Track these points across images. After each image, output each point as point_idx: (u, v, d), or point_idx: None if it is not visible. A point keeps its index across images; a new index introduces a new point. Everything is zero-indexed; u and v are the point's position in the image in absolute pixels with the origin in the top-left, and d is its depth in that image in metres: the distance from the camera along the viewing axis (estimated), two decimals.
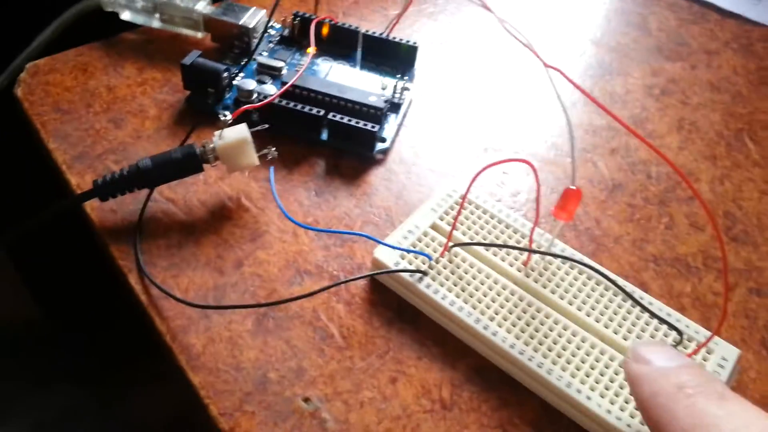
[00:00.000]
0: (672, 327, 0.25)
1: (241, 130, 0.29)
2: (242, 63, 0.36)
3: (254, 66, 0.36)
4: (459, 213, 0.27)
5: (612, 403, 0.24)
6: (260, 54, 0.37)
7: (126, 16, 0.38)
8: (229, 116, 0.29)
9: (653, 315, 0.26)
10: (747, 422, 0.18)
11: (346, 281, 0.28)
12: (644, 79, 0.40)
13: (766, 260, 0.31)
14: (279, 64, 0.36)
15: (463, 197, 0.26)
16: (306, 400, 0.25)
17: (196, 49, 0.34)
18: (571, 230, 0.31)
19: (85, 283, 0.61)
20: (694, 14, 0.45)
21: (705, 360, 0.26)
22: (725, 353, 0.26)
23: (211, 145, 0.29)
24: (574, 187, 0.25)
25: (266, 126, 0.30)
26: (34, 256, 0.58)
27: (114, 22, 0.38)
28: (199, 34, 0.38)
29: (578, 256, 0.28)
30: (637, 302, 0.26)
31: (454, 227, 0.28)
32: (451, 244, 0.28)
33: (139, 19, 0.38)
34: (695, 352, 0.25)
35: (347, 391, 0.25)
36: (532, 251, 0.27)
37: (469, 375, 0.26)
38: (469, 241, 0.28)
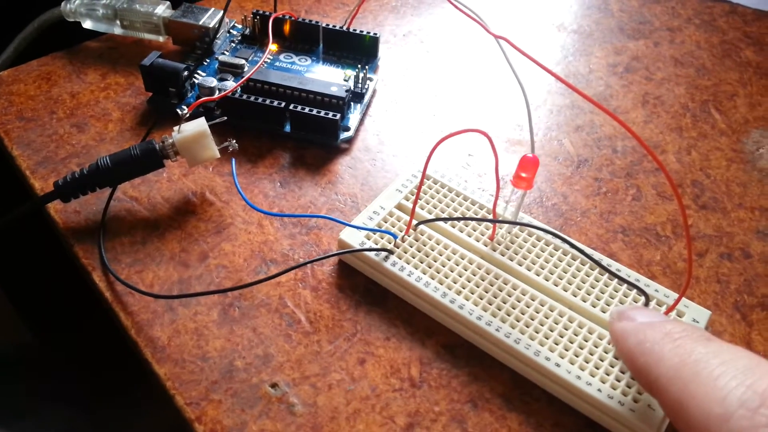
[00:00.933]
0: (639, 290, 0.25)
1: (199, 124, 0.29)
2: (203, 62, 0.36)
3: (216, 65, 0.36)
4: (419, 189, 0.27)
5: (582, 369, 0.24)
6: (222, 53, 0.37)
7: (88, 24, 0.38)
8: (186, 110, 0.29)
9: (620, 279, 0.26)
10: (734, 356, 0.17)
11: (310, 262, 0.27)
12: (607, 58, 0.40)
13: (736, 225, 0.31)
14: (240, 61, 0.36)
15: (423, 172, 0.26)
16: (273, 385, 0.24)
17: (159, 51, 0.34)
18: (538, 206, 0.31)
19: (71, 300, 0.61)
20: None
21: None
22: (696, 315, 0.26)
23: (170, 140, 0.29)
24: (531, 155, 0.25)
25: (224, 118, 0.30)
26: (15, 272, 0.58)
27: (78, 31, 0.38)
28: (161, 38, 0.38)
29: (543, 225, 0.28)
30: (601, 266, 0.26)
31: (416, 204, 0.27)
32: (416, 222, 0.28)
33: (101, 27, 0.38)
34: (666, 313, 0.25)
35: (315, 375, 0.25)
36: (493, 221, 0.27)
37: (439, 352, 0.25)
38: (434, 218, 0.28)
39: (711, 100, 0.37)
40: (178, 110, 0.29)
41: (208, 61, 0.36)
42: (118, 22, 0.37)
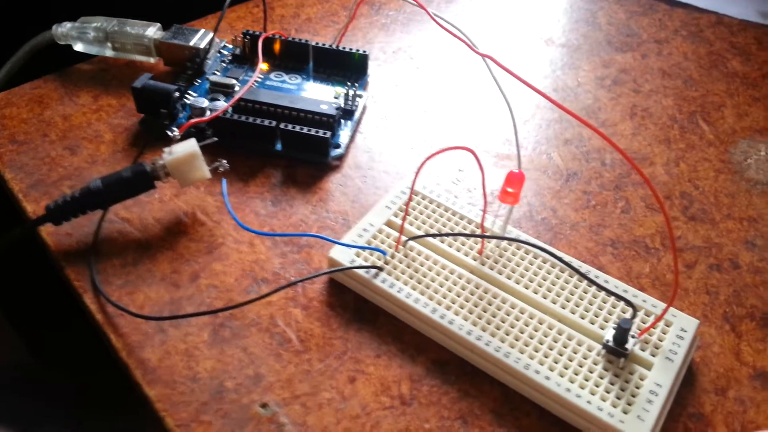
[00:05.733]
0: (627, 302, 0.25)
1: (190, 145, 0.29)
2: (194, 83, 0.36)
3: (207, 85, 0.36)
4: (408, 205, 0.27)
5: (572, 382, 0.24)
6: (213, 73, 0.37)
7: (79, 47, 0.38)
8: (177, 132, 0.29)
9: (607, 291, 0.26)
10: None
11: (300, 281, 0.27)
12: (595, 71, 0.40)
13: (725, 236, 0.31)
14: (231, 81, 0.36)
15: (411, 188, 0.26)
16: (264, 405, 0.24)
17: (150, 73, 0.35)
18: (528, 220, 0.31)
19: (67, 319, 0.61)
20: (642, 6, 0.46)
21: (664, 333, 0.25)
22: (684, 324, 0.26)
23: (161, 162, 0.29)
24: (517, 171, 0.25)
25: (215, 139, 0.30)
26: (12, 292, 0.58)
27: (69, 53, 0.38)
28: (152, 59, 0.38)
29: (530, 239, 0.28)
30: (588, 279, 0.26)
31: (404, 220, 0.28)
32: (405, 238, 0.28)
33: (93, 50, 0.38)
34: (653, 324, 0.25)
35: (305, 394, 0.25)
36: (481, 237, 0.27)
37: (429, 369, 0.25)
38: (424, 234, 0.28)
39: (699, 111, 0.37)
40: (169, 132, 0.29)
41: (199, 81, 0.37)
42: (109, 44, 0.38)
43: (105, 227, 0.30)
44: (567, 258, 0.27)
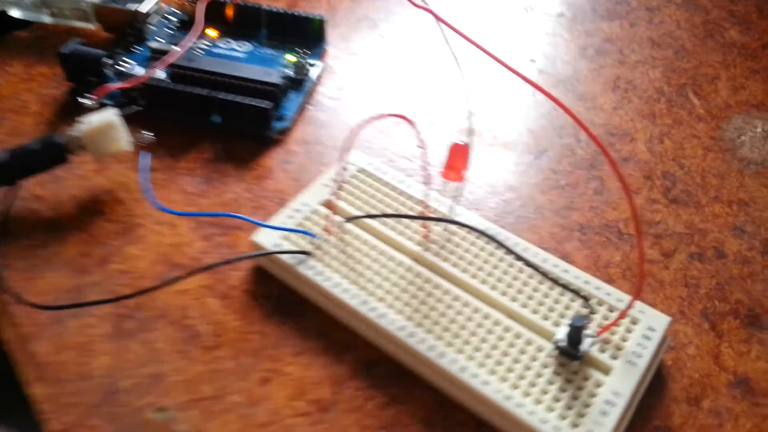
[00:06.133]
0: (583, 298, 0.21)
1: (107, 115, 0.26)
2: (134, 50, 0.33)
3: (148, 53, 0.33)
4: (340, 181, 0.24)
5: (514, 388, 0.20)
6: (155, 40, 0.34)
7: (15, 13, 0.35)
8: (92, 99, 0.26)
9: (561, 286, 0.22)
10: None
11: (216, 265, 0.24)
12: (577, 40, 0.36)
13: (711, 221, 0.27)
14: (173, 48, 0.33)
15: (340, 160, 0.23)
16: (161, 409, 0.21)
17: (91, 40, 0.32)
18: (487, 202, 0.28)
19: None
20: None
21: (629, 331, 0.22)
22: (652, 322, 0.22)
23: (74, 133, 0.26)
24: (461, 142, 0.21)
25: (138, 108, 0.27)
26: None
27: (6, 21, 0.35)
28: (92, 25, 0.35)
29: (477, 222, 0.25)
30: (539, 271, 0.22)
31: (335, 199, 0.24)
32: (343, 219, 0.25)
33: (30, 16, 0.35)
34: (616, 321, 0.21)
35: (210, 398, 0.21)
36: (418, 218, 0.24)
37: (356, 369, 0.22)
38: (361, 215, 0.25)
39: (689, 83, 0.34)
40: (82, 99, 0.26)
41: (141, 49, 0.34)
42: (46, 9, 0.35)
43: (16, 205, 0.27)
44: (522, 244, 0.24)
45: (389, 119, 0.30)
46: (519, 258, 0.23)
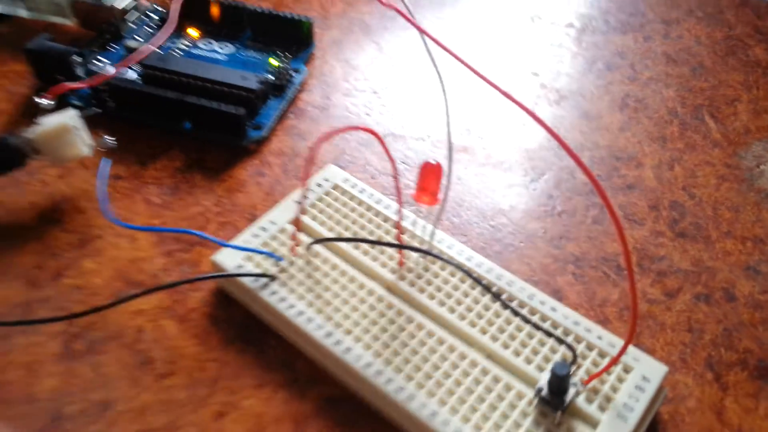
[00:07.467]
0: (567, 345, 0.19)
1: (64, 117, 0.24)
2: (109, 49, 0.31)
3: (123, 52, 0.31)
4: (303, 201, 0.21)
5: None
6: (132, 38, 0.32)
7: None
8: (47, 99, 0.24)
9: (544, 331, 0.20)
10: None
11: (173, 285, 0.22)
12: (585, 52, 0.34)
13: (721, 259, 0.25)
14: (150, 48, 0.31)
15: (303, 178, 0.21)
16: None
17: (67, 37, 0.30)
18: (474, 226, 0.25)
19: None
20: None
21: (621, 380, 0.20)
22: (647, 371, 0.20)
23: (29, 135, 0.24)
24: (433, 161, 0.19)
25: (97, 111, 0.25)
26: None
27: None
28: (69, 21, 0.33)
29: (455, 253, 0.22)
30: (520, 315, 0.20)
31: (299, 220, 0.22)
32: (311, 241, 0.22)
33: (6, 9, 0.34)
34: (605, 369, 0.19)
35: (160, 429, 0.20)
36: (390, 245, 0.22)
37: (320, 407, 0.20)
38: (335, 237, 0.23)
39: (706, 104, 0.31)
40: (38, 99, 0.24)
41: (118, 48, 0.32)
42: (21, 3, 0.33)
43: None
44: (506, 277, 0.21)
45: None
46: (496, 298, 0.20)
